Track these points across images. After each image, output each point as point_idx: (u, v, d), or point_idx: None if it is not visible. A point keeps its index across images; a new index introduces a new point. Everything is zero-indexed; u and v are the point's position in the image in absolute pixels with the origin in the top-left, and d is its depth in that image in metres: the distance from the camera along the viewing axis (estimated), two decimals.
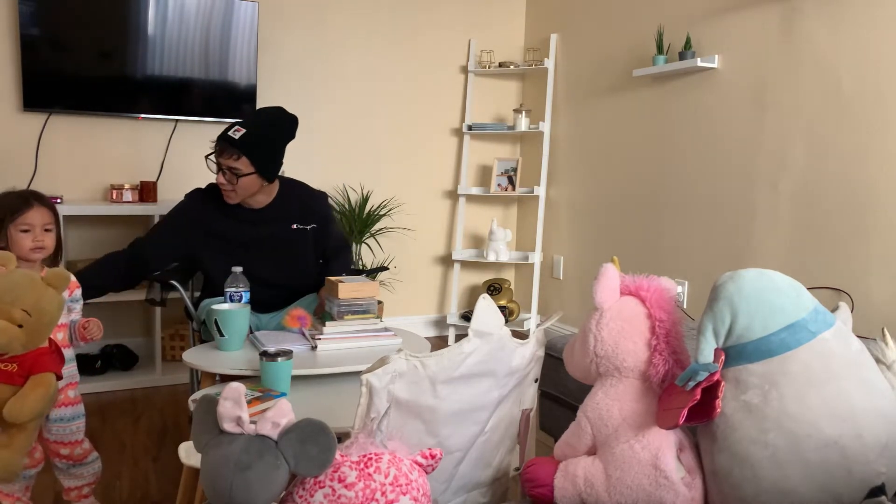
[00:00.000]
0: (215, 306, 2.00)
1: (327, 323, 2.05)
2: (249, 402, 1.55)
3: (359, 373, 1.21)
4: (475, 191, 4.10)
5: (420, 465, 1.11)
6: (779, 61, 2.71)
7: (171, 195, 3.39)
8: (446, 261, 4.19)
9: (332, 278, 2.13)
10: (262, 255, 2.36)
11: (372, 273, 2.87)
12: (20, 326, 1.46)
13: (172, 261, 2.38)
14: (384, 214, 3.87)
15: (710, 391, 1.14)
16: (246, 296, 2.12)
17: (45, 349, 1.55)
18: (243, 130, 2.24)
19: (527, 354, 1.42)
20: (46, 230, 1.82)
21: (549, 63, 3.94)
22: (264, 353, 1.71)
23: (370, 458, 1.05)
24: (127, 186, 3.20)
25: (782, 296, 1.14)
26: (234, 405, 1.00)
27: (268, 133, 2.31)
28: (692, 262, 3.14)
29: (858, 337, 1.18)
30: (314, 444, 1.00)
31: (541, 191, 3.93)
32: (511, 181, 3.98)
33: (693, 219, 3.13)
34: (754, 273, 1.16)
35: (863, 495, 1.05)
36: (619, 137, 3.54)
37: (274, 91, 3.63)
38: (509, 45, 4.23)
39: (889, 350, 1.19)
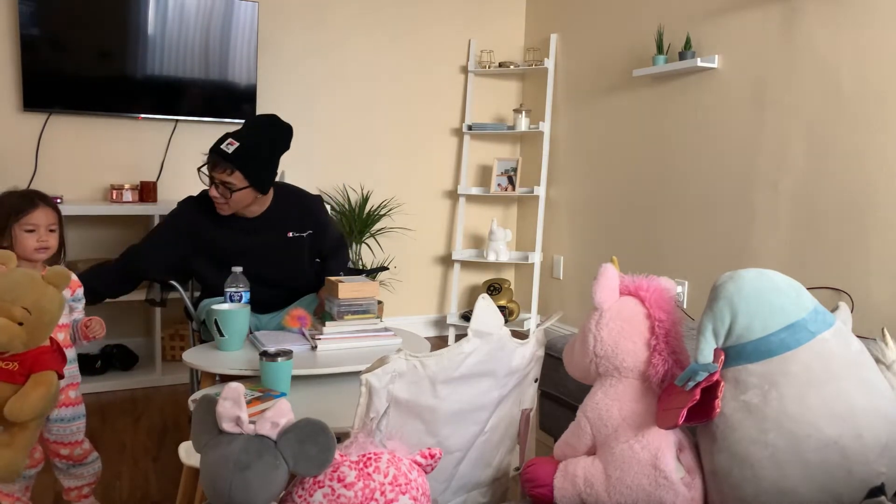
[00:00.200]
0: (215, 306, 2.00)
1: (327, 323, 2.05)
2: (249, 402, 1.55)
3: (358, 373, 1.21)
4: (475, 191, 4.10)
5: (419, 464, 1.11)
6: (779, 61, 2.71)
7: (171, 195, 3.39)
8: (446, 261, 4.19)
9: (332, 278, 2.13)
10: (257, 264, 2.31)
11: (372, 273, 2.86)
12: (21, 325, 1.46)
13: (166, 269, 2.33)
14: (384, 214, 3.87)
15: (710, 391, 1.14)
16: (246, 296, 2.12)
17: (47, 348, 1.55)
18: (236, 144, 2.19)
19: (527, 354, 1.42)
20: (51, 230, 1.82)
21: (549, 63, 3.94)
22: (264, 353, 1.71)
23: (369, 458, 1.05)
24: (127, 186, 3.20)
25: (782, 296, 1.14)
26: (233, 405, 1.00)
27: (262, 146, 2.26)
28: (692, 262, 3.14)
29: (858, 337, 1.18)
30: (313, 443, 1.00)
31: (541, 191, 3.93)
32: (511, 181, 3.98)
33: (693, 219, 3.13)
34: (754, 273, 1.16)
35: (863, 495, 1.05)
36: (619, 137, 3.54)
37: (274, 91, 3.63)
38: (509, 45, 4.23)
39: (889, 350, 1.19)
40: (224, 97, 3.46)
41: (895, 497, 1.07)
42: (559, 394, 2.04)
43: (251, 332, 2.10)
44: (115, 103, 3.26)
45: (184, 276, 2.43)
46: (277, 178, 2.41)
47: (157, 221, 3.02)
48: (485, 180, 4.20)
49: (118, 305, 3.16)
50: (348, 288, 2.06)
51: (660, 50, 3.17)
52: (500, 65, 4.02)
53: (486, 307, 1.30)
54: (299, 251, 2.43)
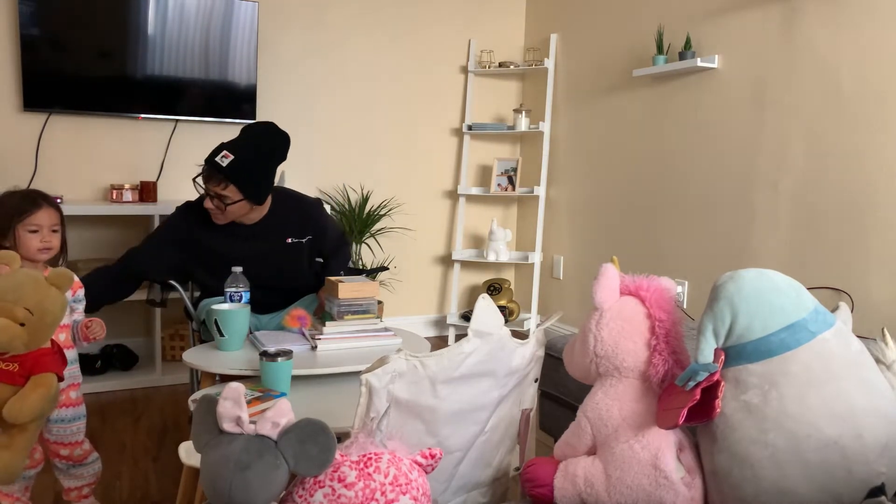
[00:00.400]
0: (215, 306, 2.00)
1: (327, 323, 2.05)
2: (249, 402, 1.55)
3: (359, 373, 1.21)
4: (475, 191, 4.10)
5: (420, 464, 1.11)
6: (779, 61, 2.71)
7: (171, 195, 3.39)
8: (446, 261, 4.19)
9: (332, 278, 2.13)
10: (256, 269, 2.29)
11: (372, 273, 2.86)
12: (22, 325, 1.46)
13: (167, 272, 2.32)
14: (384, 214, 3.87)
15: (710, 391, 1.14)
16: (246, 296, 2.12)
17: (47, 349, 1.55)
18: (231, 157, 2.16)
19: (527, 354, 1.42)
20: (53, 231, 1.82)
21: (549, 63, 3.94)
22: (264, 353, 1.71)
23: (370, 458, 1.05)
24: (127, 186, 3.20)
25: (782, 296, 1.14)
26: (233, 405, 1.00)
27: (257, 159, 2.22)
28: (692, 262, 3.14)
29: (858, 337, 1.18)
30: (314, 443, 1.00)
31: (541, 191, 3.93)
32: (511, 181, 3.98)
33: (693, 218, 3.13)
34: (754, 273, 1.16)
35: (863, 495, 1.05)
36: (619, 137, 3.54)
37: (274, 91, 3.63)
38: (509, 45, 4.23)
39: (889, 350, 1.19)
40: (224, 97, 3.46)
41: (895, 497, 1.07)
42: (559, 394, 2.04)
43: (251, 332, 2.10)
44: (115, 103, 3.26)
45: (184, 278, 2.42)
46: (278, 179, 2.41)
47: (157, 221, 3.02)
48: (485, 180, 4.20)
49: (118, 305, 3.13)
50: (348, 288, 2.06)
51: (660, 50, 3.17)
52: (500, 65, 4.02)
53: (486, 307, 1.30)
54: (298, 256, 2.42)
